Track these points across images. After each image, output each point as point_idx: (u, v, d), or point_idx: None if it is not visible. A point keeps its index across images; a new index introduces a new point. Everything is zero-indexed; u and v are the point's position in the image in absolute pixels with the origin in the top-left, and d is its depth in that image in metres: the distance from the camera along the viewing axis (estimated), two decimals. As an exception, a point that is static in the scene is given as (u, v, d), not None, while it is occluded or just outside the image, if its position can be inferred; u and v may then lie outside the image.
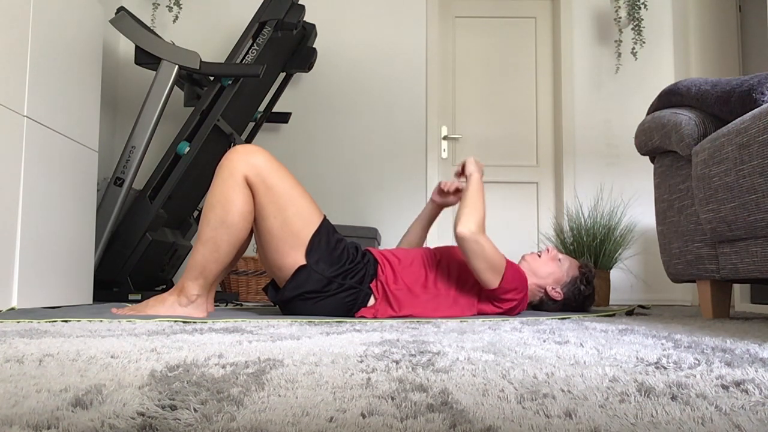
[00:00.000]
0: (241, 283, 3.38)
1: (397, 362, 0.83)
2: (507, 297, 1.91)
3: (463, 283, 1.94)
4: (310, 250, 1.79)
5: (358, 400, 0.58)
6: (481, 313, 1.96)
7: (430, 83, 3.93)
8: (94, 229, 2.58)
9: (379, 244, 3.52)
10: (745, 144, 1.71)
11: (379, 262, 1.93)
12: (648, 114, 2.35)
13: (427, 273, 1.94)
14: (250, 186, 1.75)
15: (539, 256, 2.13)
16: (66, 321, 1.57)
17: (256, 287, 3.37)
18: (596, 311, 2.34)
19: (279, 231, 1.78)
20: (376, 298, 1.88)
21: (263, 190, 1.75)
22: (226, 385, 0.64)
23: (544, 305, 2.11)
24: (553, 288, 2.08)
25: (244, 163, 1.74)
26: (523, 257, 2.16)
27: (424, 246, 2.40)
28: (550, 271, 2.10)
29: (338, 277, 1.82)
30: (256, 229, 1.82)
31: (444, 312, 1.90)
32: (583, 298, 2.12)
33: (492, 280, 1.86)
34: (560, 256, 2.15)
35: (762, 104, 1.83)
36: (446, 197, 2.17)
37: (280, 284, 1.86)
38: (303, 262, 1.79)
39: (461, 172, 2.04)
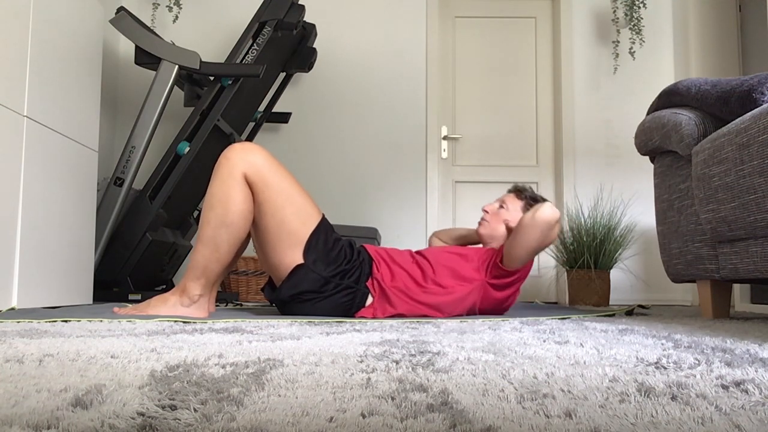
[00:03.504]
0: (241, 283, 3.38)
1: (397, 362, 0.83)
2: (514, 279, 2.01)
3: (457, 274, 1.97)
4: (308, 249, 1.79)
5: (358, 400, 0.58)
6: (493, 286, 2.00)
7: (430, 83, 3.93)
8: (94, 229, 2.58)
9: (378, 244, 3.52)
10: (745, 144, 1.71)
11: (374, 260, 1.94)
12: (648, 114, 2.35)
13: (421, 269, 1.96)
14: (249, 184, 1.74)
15: (487, 219, 2.18)
16: (66, 321, 1.57)
17: (256, 287, 3.37)
18: (596, 311, 2.34)
19: (277, 229, 1.77)
20: (373, 297, 1.88)
21: (262, 188, 1.74)
22: (226, 385, 0.64)
23: None
24: None
25: (243, 161, 1.73)
26: (479, 235, 2.20)
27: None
28: (504, 224, 2.15)
29: (335, 277, 1.82)
30: (253, 227, 1.81)
31: (444, 302, 1.91)
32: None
33: (523, 260, 1.94)
34: (497, 203, 2.19)
35: (762, 104, 1.83)
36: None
37: (277, 283, 1.86)
38: (300, 261, 1.79)
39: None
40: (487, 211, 2.19)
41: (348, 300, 1.84)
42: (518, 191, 2.21)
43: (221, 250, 1.73)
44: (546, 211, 1.85)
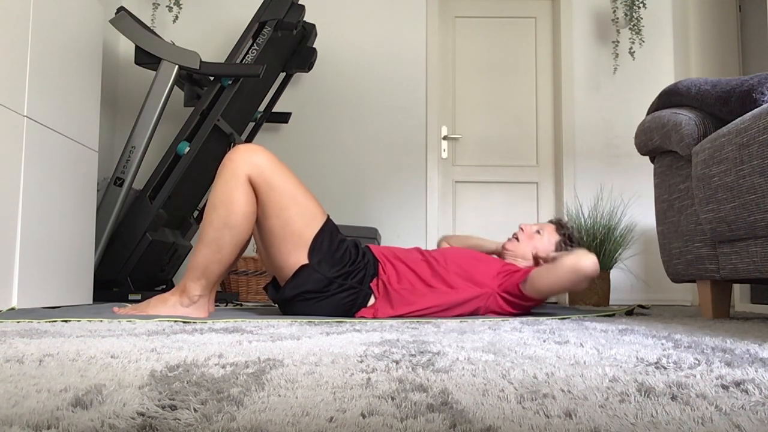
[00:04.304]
0: (241, 283, 3.38)
1: (397, 362, 0.83)
2: (527, 304, 1.97)
3: (469, 275, 1.93)
4: (313, 250, 1.79)
5: (358, 400, 0.58)
6: (502, 300, 1.96)
7: (430, 83, 3.93)
8: (94, 229, 2.58)
9: (379, 244, 3.52)
10: (745, 144, 1.71)
11: (380, 261, 1.93)
12: (648, 114, 2.35)
13: (430, 267, 1.94)
14: (253, 186, 1.74)
15: (517, 239, 2.16)
16: (66, 321, 1.57)
17: (256, 287, 3.37)
18: (596, 311, 2.34)
19: (281, 231, 1.77)
20: (376, 297, 1.88)
21: (266, 190, 1.74)
22: (226, 385, 0.64)
23: None
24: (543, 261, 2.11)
25: (247, 163, 1.73)
26: (504, 248, 2.18)
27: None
28: (533, 249, 2.14)
29: (339, 278, 1.82)
30: (258, 228, 1.81)
31: (448, 302, 1.90)
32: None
33: (545, 296, 1.90)
34: (535, 227, 2.18)
35: (762, 104, 1.83)
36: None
37: (281, 283, 1.86)
38: (305, 261, 1.79)
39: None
40: (522, 229, 2.17)
41: (350, 300, 1.84)
42: (560, 225, 2.19)
43: (223, 251, 1.73)
44: (590, 266, 1.79)
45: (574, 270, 1.80)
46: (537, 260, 2.11)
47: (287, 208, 1.76)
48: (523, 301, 1.93)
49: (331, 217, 1.90)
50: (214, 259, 1.73)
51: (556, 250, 2.14)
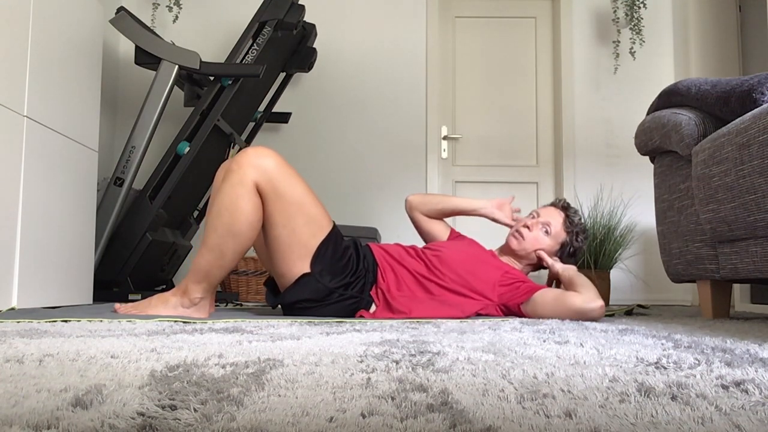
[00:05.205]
0: (241, 283, 3.38)
1: (397, 362, 0.83)
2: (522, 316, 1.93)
3: (469, 286, 1.90)
4: (316, 259, 1.76)
5: (358, 400, 0.58)
6: (499, 310, 1.93)
7: (430, 83, 3.93)
8: (94, 229, 2.58)
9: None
10: (745, 144, 1.71)
11: (379, 265, 1.91)
12: (648, 114, 2.35)
13: (430, 277, 1.91)
14: (260, 192, 1.70)
15: (522, 236, 2.06)
16: (66, 321, 1.57)
17: (257, 287, 3.37)
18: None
19: (286, 239, 1.74)
20: (376, 306, 1.86)
21: (274, 198, 1.70)
22: (226, 385, 0.64)
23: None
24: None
25: (255, 169, 1.69)
26: (509, 247, 2.10)
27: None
28: (537, 246, 2.05)
29: (340, 288, 1.80)
30: (262, 233, 1.78)
31: (447, 314, 1.88)
32: (575, 250, 2.10)
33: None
34: (542, 223, 2.06)
35: (762, 104, 1.83)
36: (500, 216, 2.16)
37: (281, 288, 1.85)
38: (307, 270, 1.77)
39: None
40: (528, 228, 2.06)
41: (352, 310, 1.83)
42: (569, 221, 2.06)
43: (226, 258, 1.70)
44: (596, 311, 1.75)
45: (580, 313, 1.75)
46: (540, 261, 2.07)
47: (294, 217, 1.72)
48: (518, 316, 1.90)
49: (336, 224, 1.87)
50: (217, 264, 1.71)
51: (562, 246, 2.07)
